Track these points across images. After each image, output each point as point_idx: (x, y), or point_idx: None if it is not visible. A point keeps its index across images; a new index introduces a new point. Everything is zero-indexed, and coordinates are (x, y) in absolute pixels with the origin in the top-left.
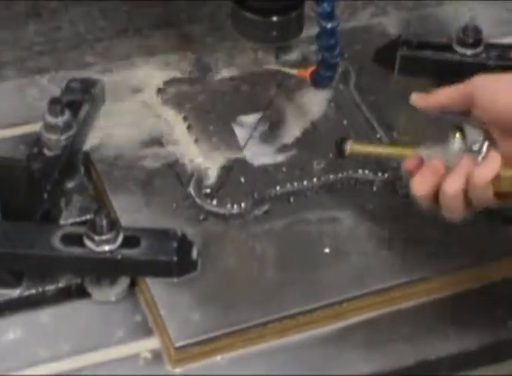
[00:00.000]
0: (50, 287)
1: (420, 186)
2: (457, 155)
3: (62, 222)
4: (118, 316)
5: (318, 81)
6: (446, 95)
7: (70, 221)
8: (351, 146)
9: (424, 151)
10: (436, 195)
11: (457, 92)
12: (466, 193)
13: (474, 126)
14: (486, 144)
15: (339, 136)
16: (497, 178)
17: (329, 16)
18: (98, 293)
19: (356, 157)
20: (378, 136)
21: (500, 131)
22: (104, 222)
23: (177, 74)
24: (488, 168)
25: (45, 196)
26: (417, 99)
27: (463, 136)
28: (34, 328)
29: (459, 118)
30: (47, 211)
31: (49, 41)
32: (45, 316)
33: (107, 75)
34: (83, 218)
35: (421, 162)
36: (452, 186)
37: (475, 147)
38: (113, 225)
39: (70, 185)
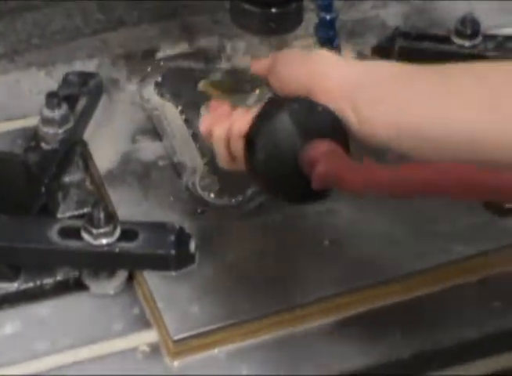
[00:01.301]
0: (48, 281)
1: (204, 120)
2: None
3: (59, 215)
4: (116, 309)
5: None
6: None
7: (68, 214)
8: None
9: (229, 99)
10: None
11: (267, 61)
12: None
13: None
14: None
15: None
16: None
17: (329, 8)
18: (96, 286)
19: None
20: None
21: None
22: (102, 215)
23: (175, 66)
24: (244, 120)
25: (43, 189)
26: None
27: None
28: (32, 322)
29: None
30: (44, 204)
31: (45, 33)
32: (43, 309)
33: (104, 68)
34: (80, 211)
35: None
36: (218, 129)
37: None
38: (111, 218)
39: (67, 178)
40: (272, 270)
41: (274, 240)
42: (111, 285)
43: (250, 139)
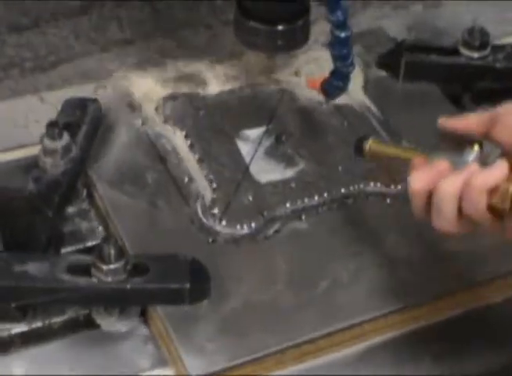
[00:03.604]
0: (56, 320)
1: (418, 180)
2: (468, 164)
3: (64, 249)
4: (129, 347)
5: (329, 91)
6: (473, 119)
7: (74, 247)
8: (370, 145)
9: (438, 156)
10: (431, 195)
11: (483, 117)
12: (461, 199)
13: (493, 144)
14: (500, 159)
15: (358, 136)
16: (496, 190)
17: (343, 25)
18: (107, 324)
19: (373, 159)
20: None
21: None
22: (112, 251)
23: (176, 89)
24: (491, 173)
25: (48, 223)
26: (445, 121)
27: (481, 150)
28: (41, 363)
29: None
30: (49, 238)
31: (38, 56)
32: (51, 349)
33: (103, 92)
34: (87, 244)
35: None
36: (449, 184)
37: (489, 161)
38: (121, 253)
39: (71, 209)
40: (289, 300)
41: (289, 269)
42: (123, 322)
43: None
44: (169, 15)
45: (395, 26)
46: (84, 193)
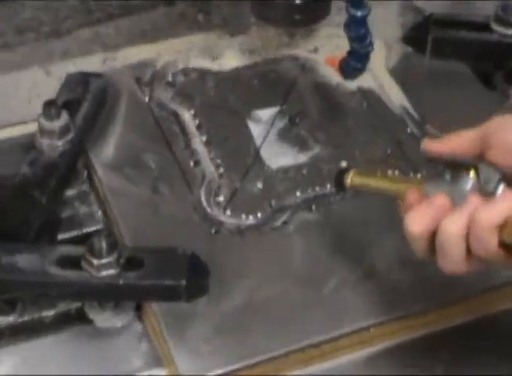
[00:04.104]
0: (47, 313)
1: (416, 221)
2: (467, 195)
3: (61, 235)
4: (123, 344)
5: (347, 72)
6: (462, 141)
7: (72, 233)
8: (352, 178)
9: (430, 187)
10: (434, 236)
11: (473, 136)
12: (468, 238)
13: (489, 167)
14: (502, 185)
15: (338, 168)
16: (506, 225)
17: (359, 3)
18: (100, 319)
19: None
20: (409, 131)
21: None
22: (103, 245)
23: (187, 64)
24: (497, 208)
25: (42, 210)
26: (429, 145)
27: (477, 176)
28: (32, 358)
29: (471, 160)
30: (43, 225)
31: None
32: (43, 344)
33: (109, 65)
34: (85, 230)
35: (423, 197)
36: (453, 224)
37: (489, 188)
38: (114, 247)
39: (70, 192)
40: (294, 301)
41: (295, 266)
42: (117, 318)
43: None
44: None
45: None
46: (85, 174)
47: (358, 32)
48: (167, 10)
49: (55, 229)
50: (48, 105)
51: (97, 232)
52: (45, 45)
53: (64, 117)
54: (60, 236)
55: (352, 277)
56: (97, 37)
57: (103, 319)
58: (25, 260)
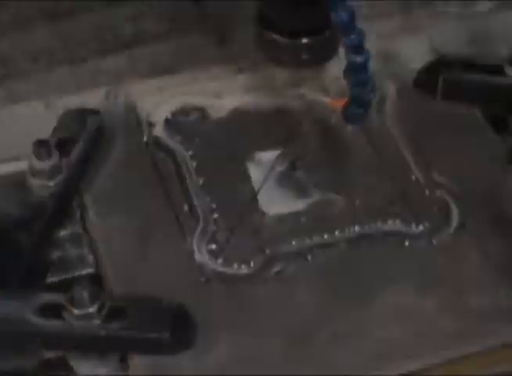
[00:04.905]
0: (28, 361)
1: None
2: None
3: (50, 279)
4: None
5: (349, 118)
6: None
7: (60, 277)
8: None
9: None
10: None
11: None
12: None
13: None
14: None
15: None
16: None
17: (359, 49)
18: (83, 368)
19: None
20: (413, 178)
21: None
22: (85, 294)
23: (186, 101)
24: None
25: (28, 253)
26: None
27: None
28: None
29: None
30: (30, 267)
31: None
32: None
33: (112, 99)
34: (76, 273)
35: None
36: None
37: None
38: (96, 297)
39: (62, 233)
40: (284, 357)
41: (287, 319)
42: (101, 367)
43: None
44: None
45: (438, 40)
46: (78, 215)
47: (359, 78)
48: (176, 43)
49: (44, 272)
50: (39, 144)
51: (79, 279)
52: (43, 77)
53: (55, 156)
54: (49, 279)
55: (345, 330)
56: (100, 70)
57: (86, 368)
58: (5, 307)
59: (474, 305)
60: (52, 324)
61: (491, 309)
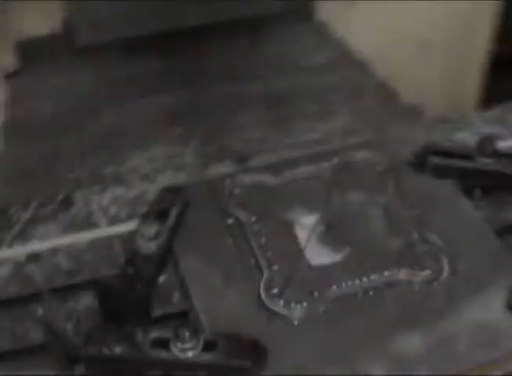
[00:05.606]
0: None
1: None
2: None
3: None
4: None
5: None
6: None
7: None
8: None
9: None
10: None
11: None
12: None
13: None
14: None
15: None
16: None
17: None
18: None
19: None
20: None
21: None
22: (187, 334)
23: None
24: None
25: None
26: None
27: None
28: None
29: None
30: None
31: None
32: None
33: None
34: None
35: None
36: None
37: None
38: (196, 334)
39: (161, 280)
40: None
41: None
42: None
43: None
44: None
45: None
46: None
47: None
48: None
49: (150, 310)
50: (145, 215)
51: (181, 323)
52: None
53: (156, 224)
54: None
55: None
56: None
57: None
58: (128, 340)
59: None
60: (163, 354)
61: None
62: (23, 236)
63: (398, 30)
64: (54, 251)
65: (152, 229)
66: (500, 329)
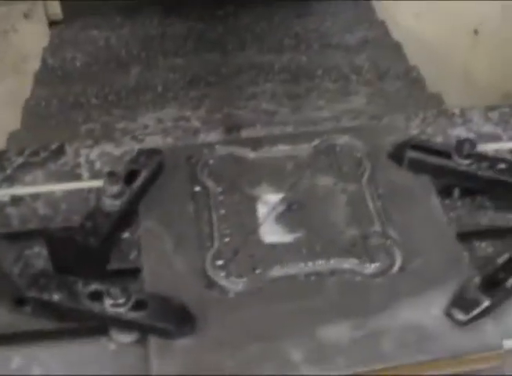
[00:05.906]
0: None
1: None
2: None
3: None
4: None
5: None
6: None
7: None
8: None
9: None
10: None
11: None
12: None
13: None
14: None
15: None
16: None
17: None
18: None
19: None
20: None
21: None
22: (118, 291)
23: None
24: None
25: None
26: None
27: None
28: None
29: None
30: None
31: None
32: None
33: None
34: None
35: None
36: None
37: None
38: (125, 291)
39: (124, 237)
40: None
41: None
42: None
43: None
44: None
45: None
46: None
47: None
48: None
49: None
50: (110, 175)
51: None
52: None
53: (121, 184)
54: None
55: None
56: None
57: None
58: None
59: None
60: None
61: None
62: (11, 179)
63: (450, 17)
64: (35, 196)
65: (115, 187)
66: (432, 333)
